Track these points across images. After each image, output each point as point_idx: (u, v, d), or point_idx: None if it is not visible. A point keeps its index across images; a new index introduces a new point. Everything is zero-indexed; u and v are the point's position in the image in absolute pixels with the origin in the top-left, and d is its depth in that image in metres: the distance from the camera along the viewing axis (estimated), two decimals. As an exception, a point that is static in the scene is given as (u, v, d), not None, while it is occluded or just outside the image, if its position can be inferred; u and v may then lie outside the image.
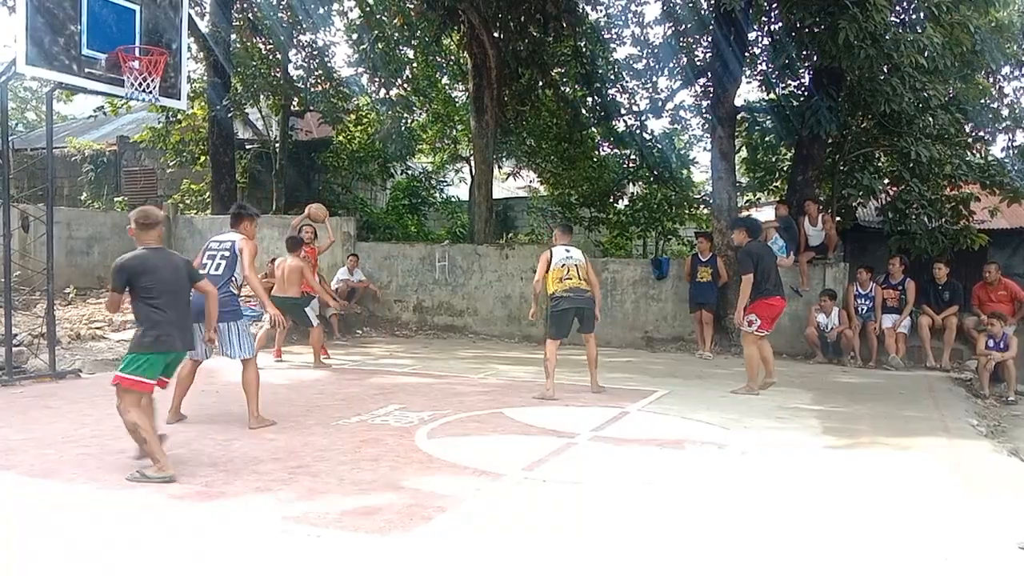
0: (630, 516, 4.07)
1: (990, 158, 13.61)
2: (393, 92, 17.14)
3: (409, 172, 20.25)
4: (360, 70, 17.19)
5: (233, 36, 16.46)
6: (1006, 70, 15.27)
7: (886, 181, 13.90)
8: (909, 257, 11.89)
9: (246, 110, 17.02)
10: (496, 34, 14.49)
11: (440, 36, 15.98)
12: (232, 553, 3.46)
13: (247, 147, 18.21)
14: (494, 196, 16.16)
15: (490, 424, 6.32)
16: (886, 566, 3.48)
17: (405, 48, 17.08)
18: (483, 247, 13.71)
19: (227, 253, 6.40)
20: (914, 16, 11.72)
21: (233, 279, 6.36)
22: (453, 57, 18.58)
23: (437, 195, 21.02)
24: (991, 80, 14.25)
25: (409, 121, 18.83)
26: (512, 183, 22.99)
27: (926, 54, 10.44)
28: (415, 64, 17.91)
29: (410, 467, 4.90)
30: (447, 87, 19.93)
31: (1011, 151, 13.84)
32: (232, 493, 4.26)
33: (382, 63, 15.96)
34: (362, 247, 14.17)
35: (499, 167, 19.96)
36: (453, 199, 21.83)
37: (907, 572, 3.43)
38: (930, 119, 12.56)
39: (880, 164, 14.42)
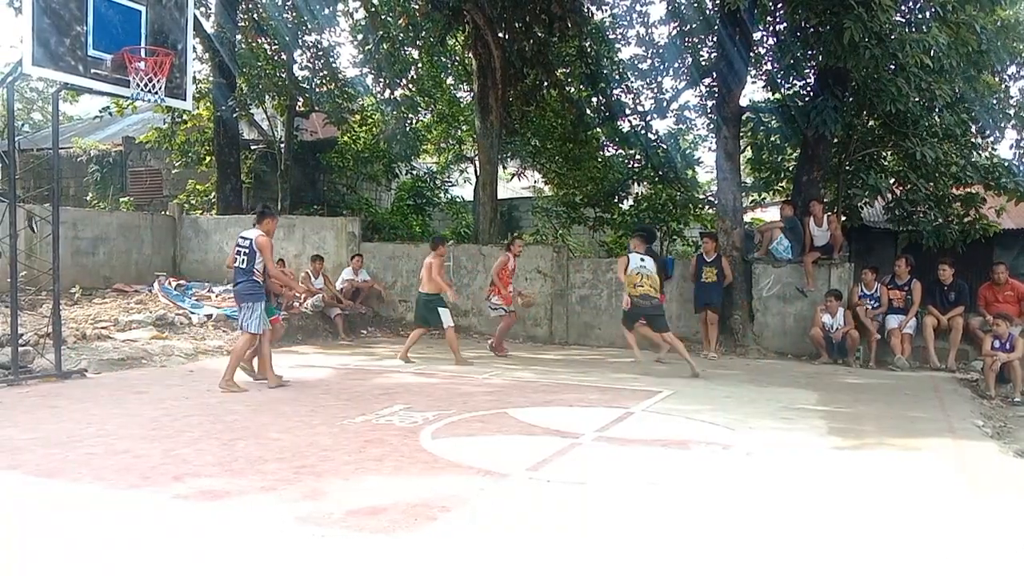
0: (635, 517, 4.06)
1: (996, 159, 13.58)
2: (398, 92, 17.17)
3: (414, 172, 20.27)
4: (365, 70, 17.23)
5: (238, 37, 16.50)
6: (1012, 69, 15.23)
7: (892, 181, 13.88)
8: (917, 255, 11.87)
9: (251, 110, 17.08)
10: (501, 34, 14.50)
11: (445, 36, 16.01)
12: (236, 553, 3.46)
13: (252, 147, 18.24)
14: (499, 196, 16.15)
15: (494, 424, 6.32)
16: (892, 567, 3.47)
17: (410, 48, 17.10)
18: (488, 247, 13.70)
19: (247, 249, 7.75)
20: (919, 16, 11.68)
21: (255, 270, 7.73)
22: (458, 57, 18.61)
23: (442, 195, 21.01)
24: (997, 79, 14.20)
25: (414, 121, 18.85)
26: (517, 183, 23.00)
27: (932, 54, 10.41)
28: (420, 64, 17.93)
29: (415, 467, 4.90)
30: (452, 87, 19.94)
31: (1018, 151, 13.79)
32: (236, 493, 4.27)
33: (387, 63, 15.98)
34: (367, 247, 14.21)
35: (504, 167, 19.96)
36: (458, 199, 21.83)
37: (913, 573, 3.42)
38: (936, 119, 12.54)
39: (886, 163, 14.40)
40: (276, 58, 16.75)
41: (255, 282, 7.75)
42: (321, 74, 17.11)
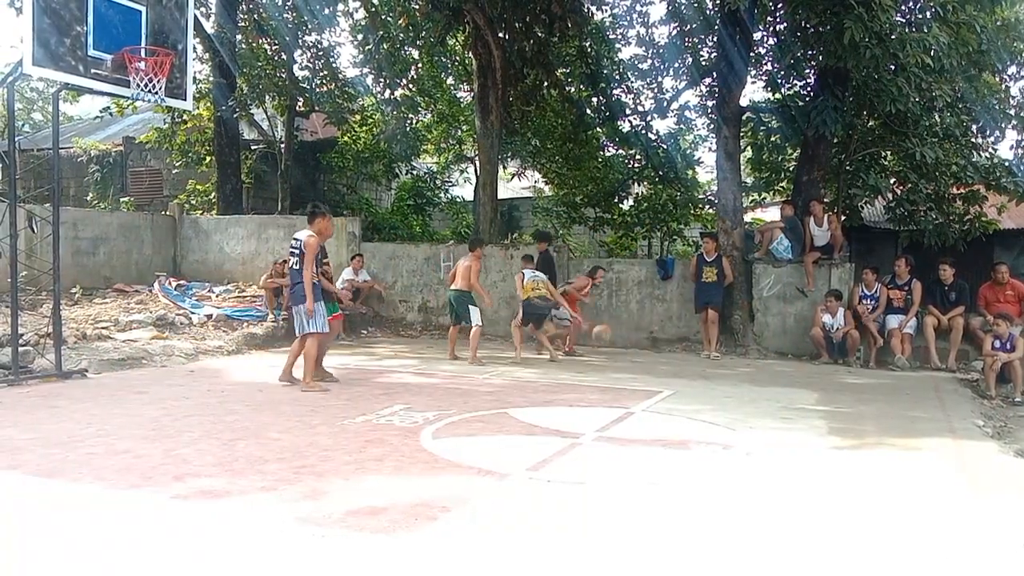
0: (635, 517, 4.06)
1: (996, 159, 13.58)
2: (398, 92, 17.18)
3: (414, 172, 20.28)
4: (365, 70, 17.24)
5: (239, 37, 16.50)
6: (1012, 69, 15.21)
7: (892, 180, 13.88)
8: (918, 254, 11.87)
9: (251, 111, 17.07)
10: (501, 34, 14.49)
11: (445, 37, 16.00)
12: (236, 553, 3.46)
13: (252, 147, 18.24)
14: (499, 196, 16.15)
15: (495, 424, 6.32)
16: (892, 567, 3.47)
17: (410, 49, 17.10)
18: (488, 247, 13.70)
19: (298, 251, 7.77)
20: (920, 16, 11.68)
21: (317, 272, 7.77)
22: (458, 58, 18.60)
23: (442, 195, 21.03)
24: (998, 79, 14.19)
25: (414, 121, 18.85)
26: (517, 183, 23.01)
27: (932, 54, 10.40)
28: (420, 64, 17.93)
29: (415, 467, 4.90)
30: (452, 87, 19.95)
31: (1019, 151, 13.79)
32: (237, 493, 4.27)
33: (387, 63, 16.00)
34: (367, 247, 14.20)
35: (504, 167, 19.97)
36: (458, 199, 21.85)
37: (914, 573, 3.42)
38: (936, 119, 12.54)
39: (886, 163, 14.40)
40: (276, 58, 16.75)
41: (303, 283, 7.72)
42: (321, 74, 17.11)
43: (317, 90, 17.01)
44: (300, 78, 16.96)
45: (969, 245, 13.01)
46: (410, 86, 17.60)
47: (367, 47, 16.04)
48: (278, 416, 6.40)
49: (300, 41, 16.71)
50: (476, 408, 6.91)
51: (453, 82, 19.83)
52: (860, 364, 10.72)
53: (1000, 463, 5.57)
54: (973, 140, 13.64)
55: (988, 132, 14.25)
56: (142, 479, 4.51)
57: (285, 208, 16.76)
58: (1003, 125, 14.13)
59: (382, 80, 16.74)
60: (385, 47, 15.94)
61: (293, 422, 6.17)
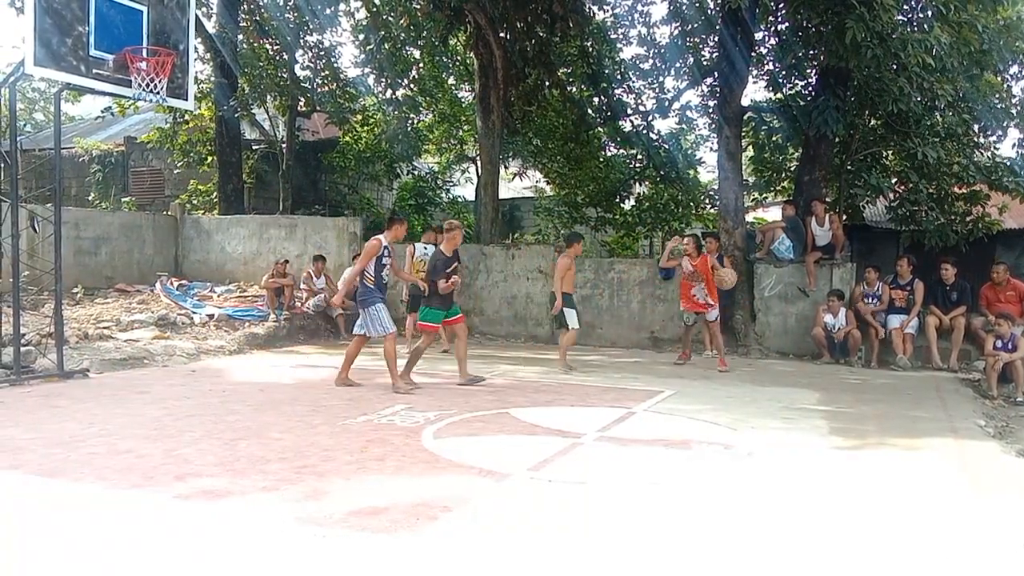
0: (636, 517, 4.06)
1: (998, 158, 13.57)
2: (399, 92, 17.18)
3: (415, 172, 20.29)
4: (367, 70, 17.25)
5: (240, 37, 16.51)
6: (1014, 69, 15.18)
7: (894, 180, 13.87)
8: (919, 254, 11.86)
9: (253, 111, 17.09)
10: (502, 34, 14.49)
11: (447, 37, 16.00)
12: (237, 553, 3.47)
13: (254, 147, 18.25)
14: (500, 196, 16.15)
15: (496, 424, 6.32)
16: (893, 567, 3.47)
17: (411, 48, 17.11)
18: (489, 247, 13.70)
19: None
20: (921, 15, 11.67)
21: (366, 273, 7.81)
22: (459, 57, 18.61)
23: (443, 195, 21.04)
24: (999, 79, 14.18)
25: (415, 121, 18.86)
26: (518, 183, 23.00)
27: (934, 53, 10.39)
28: (421, 64, 17.94)
29: (416, 467, 4.90)
30: (453, 87, 19.96)
31: (1020, 150, 13.78)
32: (238, 493, 4.27)
33: (388, 63, 16.00)
34: (369, 247, 14.18)
35: (505, 167, 19.96)
36: (459, 199, 21.85)
37: (915, 572, 3.42)
38: (938, 118, 12.53)
39: (887, 163, 14.39)
40: (278, 58, 16.77)
41: (365, 286, 7.85)
42: (323, 74, 17.12)
43: (318, 90, 17.03)
44: (301, 78, 16.97)
45: (971, 245, 13.00)
46: (411, 86, 17.60)
47: (368, 47, 16.05)
48: (279, 416, 6.41)
49: (301, 41, 16.73)
50: (477, 408, 6.91)
51: (454, 82, 19.85)
52: (862, 364, 10.71)
53: (1002, 463, 5.56)
54: (975, 140, 13.63)
55: (990, 131, 14.24)
56: (144, 479, 4.51)
57: (287, 208, 16.77)
58: (1005, 124, 14.12)
59: (383, 80, 16.75)
60: (386, 47, 15.96)
61: (294, 422, 6.17)
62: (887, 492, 4.66)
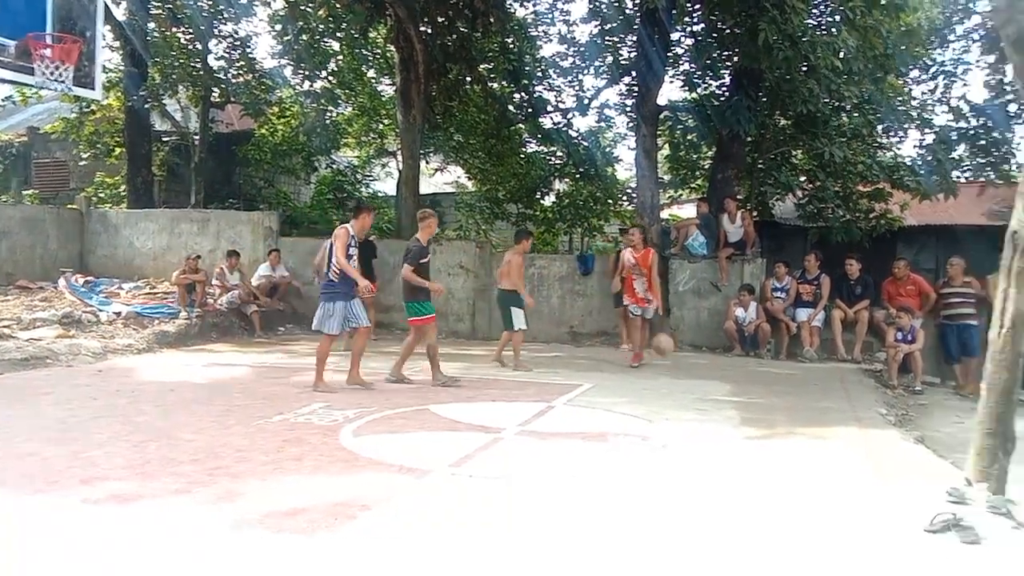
0: (557, 510, 4.11)
1: (899, 158, 14.23)
2: (318, 84, 16.88)
3: (334, 166, 19.95)
4: (283, 61, 16.85)
5: (151, 25, 15.95)
6: (914, 73, 15.96)
7: (802, 178, 14.40)
8: (826, 250, 12.35)
9: (164, 101, 16.55)
10: (423, 28, 14.40)
11: (367, 29, 15.81)
12: (150, 559, 3.35)
13: (165, 139, 17.68)
14: (421, 191, 16.06)
15: (417, 421, 6.29)
16: (802, 552, 3.61)
17: (330, 40, 16.81)
18: (408, 242, 13.59)
19: (328, 245, 7.65)
20: (830, 19, 12.15)
21: (332, 266, 7.52)
22: (379, 51, 18.39)
23: (363, 190, 20.74)
24: (901, 82, 14.88)
25: (334, 114, 18.56)
26: (440, 178, 22.91)
27: (841, 56, 10.83)
28: (340, 57, 17.65)
29: (335, 466, 4.84)
30: (373, 81, 19.70)
31: (920, 151, 14.50)
32: (149, 496, 4.13)
33: (306, 55, 15.68)
34: (285, 242, 13.91)
35: (426, 162, 19.86)
36: (380, 194, 21.60)
37: (822, 558, 3.56)
38: (844, 119, 13.07)
39: (796, 162, 14.93)
40: (191, 47, 16.26)
41: (330, 279, 7.56)
42: (238, 64, 16.68)
43: (233, 81, 16.58)
44: (215, 68, 16.51)
45: (874, 241, 13.61)
46: (330, 78, 17.31)
47: (286, 38, 15.69)
48: (191, 416, 6.22)
49: (216, 30, 16.25)
50: (398, 405, 6.87)
51: (375, 75, 19.59)
52: (771, 356, 11.10)
53: (903, 450, 5.84)
54: (878, 140, 14.29)
55: (892, 133, 14.94)
56: (48, 484, 4.32)
57: (199, 202, 16.29)
58: (906, 126, 14.83)
59: (301, 71, 16.41)
60: (304, 38, 15.63)
61: (207, 423, 6.00)
62: (796, 480, 4.84)
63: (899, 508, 4.30)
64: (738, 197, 13.25)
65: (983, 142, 16.26)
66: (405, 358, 8.24)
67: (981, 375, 4.99)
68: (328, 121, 18.01)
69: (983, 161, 16.43)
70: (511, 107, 17.34)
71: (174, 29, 16.32)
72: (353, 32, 15.96)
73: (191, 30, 16.11)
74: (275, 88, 17.50)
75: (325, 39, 16.48)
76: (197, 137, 16.76)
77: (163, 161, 17.34)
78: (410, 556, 3.42)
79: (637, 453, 5.46)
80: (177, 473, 4.57)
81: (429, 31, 14.62)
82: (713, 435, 6.01)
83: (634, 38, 14.02)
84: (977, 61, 17.33)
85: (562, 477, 4.78)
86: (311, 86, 16.76)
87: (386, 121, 19.72)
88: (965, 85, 16.78)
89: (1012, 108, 16.00)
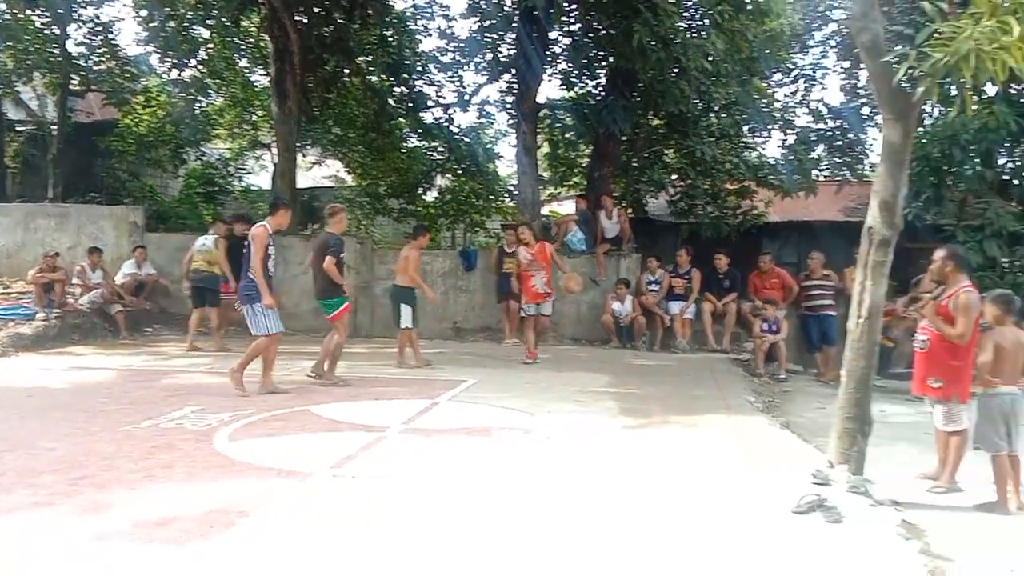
0: (442, 507, 4.11)
1: (764, 158, 15.00)
2: (186, 73, 16.18)
3: (204, 158, 19.15)
4: (150, 49, 16.05)
5: (2, 7, 14.82)
6: (778, 76, 16.84)
7: (674, 176, 14.96)
8: (696, 245, 12.87)
9: (18, 88, 15.44)
10: (299, 18, 14.03)
11: (238, 17, 15.25)
12: (4, 578, 3.14)
13: (19, 129, 16.53)
14: (298, 185, 15.67)
15: (296, 422, 6.14)
16: (678, 536, 3.76)
17: (200, 28, 16.12)
18: (287, 238, 13.22)
19: (247, 243, 7.26)
20: (700, 23, 12.65)
21: (268, 267, 7.20)
22: (253, 40, 17.78)
23: (236, 183, 20.02)
24: (766, 85, 15.69)
25: (204, 104, 17.84)
26: (317, 172, 22.40)
27: (710, 59, 11.30)
28: (211, 45, 16.96)
29: (209, 472, 4.66)
30: (246, 70, 19.04)
31: (783, 150, 15.34)
32: (5, 510, 3.86)
33: (174, 42, 14.98)
34: (151, 238, 13.22)
35: (303, 155, 19.37)
36: (254, 188, 20.90)
37: (698, 541, 3.72)
38: (713, 120, 13.65)
39: (669, 160, 15.49)
40: (48, 31, 15.23)
41: (252, 280, 7.12)
42: (100, 51, 15.77)
43: (95, 68, 15.66)
44: (75, 54, 15.53)
45: (741, 236, 14.30)
46: (200, 67, 16.61)
47: (152, 24, 14.94)
48: (51, 424, 5.84)
49: (75, 14, 15.30)
50: (276, 407, 6.67)
51: (247, 65, 18.93)
52: (646, 347, 11.48)
53: (770, 435, 6.17)
54: (744, 140, 15.00)
55: (757, 133, 15.72)
56: None
57: (57, 195, 15.29)
58: (770, 127, 15.64)
59: (169, 59, 15.67)
60: (172, 25, 14.93)
61: (70, 430, 5.65)
62: (671, 466, 5.03)
63: (768, 491, 4.53)
64: (614, 194, 13.62)
65: (840, 143, 17.37)
66: (337, 358, 7.98)
67: (840, 362, 5.34)
68: (198, 111, 17.29)
69: (840, 161, 17.57)
70: (391, 101, 17.16)
71: (28, 12, 15.23)
72: (224, 20, 15.37)
73: (48, 13, 15.10)
74: (140, 76, 16.67)
75: (194, 26, 15.80)
76: (55, 127, 15.73)
77: (17, 152, 16.22)
78: (291, 561, 3.34)
79: (521, 446, 5.54)
80: (36, 484, 4.29)
81: (305, 21, 14.26)
82: (593, 426, 6.17)
83: (513, 36, 14.15)
84: (834, 66, 18.49)
85: (447, 474, 4.79)
86: (179, 75, 16.05)
87: (260, 112, 19.09)
88: (823, 88, 17.99)
89: (866, 111, 17.16)
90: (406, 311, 9.25)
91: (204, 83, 16.69)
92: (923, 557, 3.59)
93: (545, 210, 17.49)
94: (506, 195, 18.63)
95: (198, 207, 17.34)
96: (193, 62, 16.31)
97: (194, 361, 9.48)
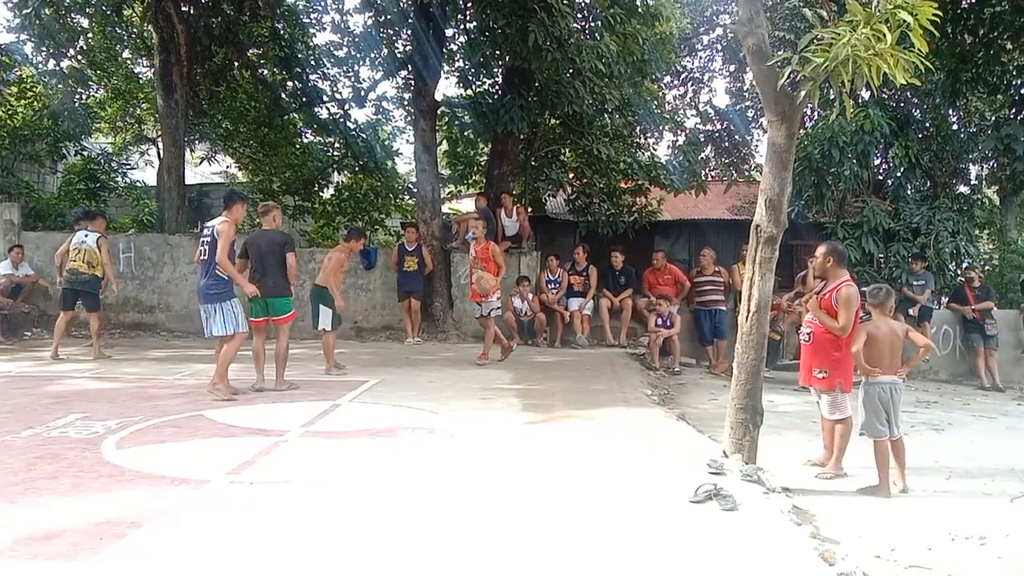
0: (344, 511, 4.05)
1: (656, 158, 15.45)
2: (65, 64, 15.30)
3: (85, 153, 18.17)
4: (23, 37, 15.10)
5: None
6: (668, 79, 17.36)
7: (571, 175, 15.22)
8: (593, 243, 13.15)
9: None
10: (185, 8, 13.51)
11: (120, 6, 14.56)
12: None
13: None
14: (187, 182, 15.09)
15: (189, 428, 5.92)
16: (579, 526, 3.83)
17: (79, 16, 15.29)
18: (175, 237, 12.77)
19: (209, 239, 6.99)
20: (593, 24, 12.90)
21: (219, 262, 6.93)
22: (136, 30, 17.00)
23: (119, 179, 19.09)
24: (657, 87, 16.15)
25: (85, 96, 16.94)
26: (207, 168, 21.64)
27: (603, 60, 11.55)
28: (91, 34, 16.11)
29: (97, 482, 4.44)
30: (129, 61, 18.19)
31: (673, 151, 15.83)
32: None
33: (51, 31, 14.16)
34: (29, 237, 12.51)
35: (192, 150, 18.66)
36: (139, 184, 19.98)
37: (598, 531, 3.80)
38: (607, 120, 13.96)
39: (566, 159, 15.74)
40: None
41: (218, 278, 6.97)
42: (-35, 38, 14.72)
43: (-40, 56, 14.62)
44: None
45: (636, 234, 14.69)
46: (79, 57, 15.75)
47: (25, 11, 14.06)
48: (-82, 438, 5.45)
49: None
50: (167, 412, 6.41)
51: (130, 56, 18.09)
52: (547, 344, 11.64)
53: (667, 426, 6.36)
54: (637, 140, 15.40)
55: (649, 134, 16.16)
56: None
57: (-81, 192, 14.21)
58: (661, 128, 16.10)
59: (45, 49, 14.79)
60: (48, 12, 14.09)
61: (-61, 443, 5.28)
62: (572, 460, 5.12)
63: (665, 481, 4.68)
64: (513, 192, 13.73)
65: (727, 144, 18.09)
66: (285, 362, 7.72)
67: (731, 355, 5.57)
68: (78, 104, 16.40)
69: (727, 161, 18.29)
70: (284, 95, 16.75)
71: None
72: (105, 8, 14.63)
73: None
74: (13, 66, 15.65)
75: (73, 14, 14.97)
76: (-85, 118, 14.61)
77: None
78: (186, 573, 3.23)
79: (426, 445, 5.52)
80: (-98, 505, 3.99)
81: (191, 11, 13.74)
82: (497, 422, 6.21)
83: (410, 32, 14.05)
84: (721, 69, 19.21)
85: (351, 476, 4.72)
86: (57, 65, 15.16)
87: (145, 105, 18.29)
88: (711, 91, 18.67)
89: (751, 113, 17.92)
90: (325, 313, 8.81)
91: (84, 74, 15.83)
92: (813, 541, 3.78)
93: (446, 208, 17.45)
94: (406, 193, 18.49)
95: (79, 204, 16.44)
96: (72, 52, 15.45)
97: (77, 367, 9.01)
